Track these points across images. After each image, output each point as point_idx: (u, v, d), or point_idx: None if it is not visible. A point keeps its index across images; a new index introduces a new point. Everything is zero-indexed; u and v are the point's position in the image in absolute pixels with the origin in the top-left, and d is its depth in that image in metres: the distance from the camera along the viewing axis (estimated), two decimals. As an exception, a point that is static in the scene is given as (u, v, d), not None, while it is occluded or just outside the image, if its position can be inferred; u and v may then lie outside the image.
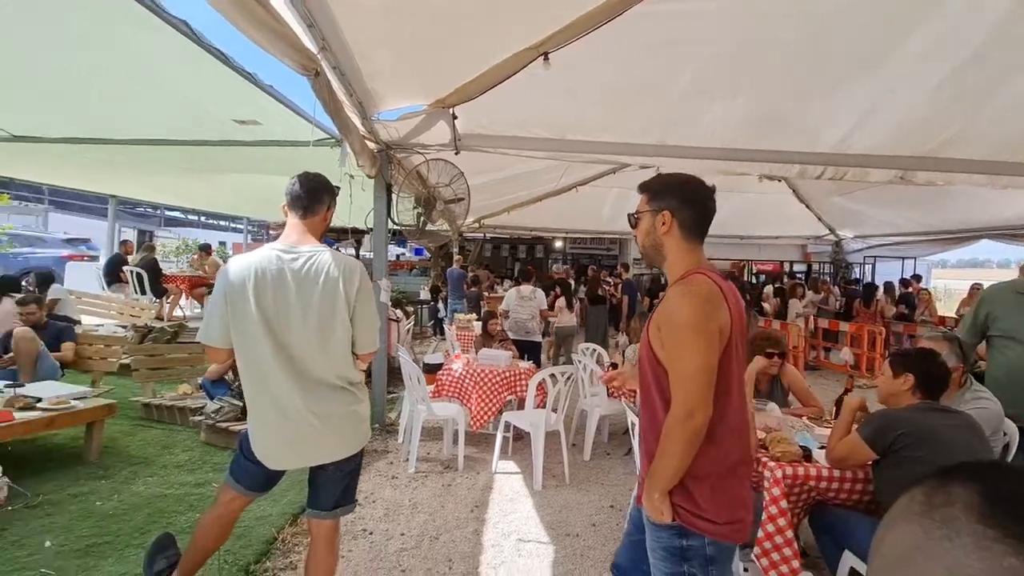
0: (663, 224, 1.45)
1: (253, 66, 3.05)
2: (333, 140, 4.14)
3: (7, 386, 3.45)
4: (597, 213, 9.43)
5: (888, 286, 9.04)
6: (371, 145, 4.13)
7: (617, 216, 9.70)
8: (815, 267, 12.06)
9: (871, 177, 4.65)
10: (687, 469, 1.32)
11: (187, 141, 4.61)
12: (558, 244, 14.06)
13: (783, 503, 2.09)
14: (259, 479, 1.89)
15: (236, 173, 5.91)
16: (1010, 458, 2.52)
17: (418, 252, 13.59)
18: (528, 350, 5.44)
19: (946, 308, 10.64)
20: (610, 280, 9.68)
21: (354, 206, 4.58)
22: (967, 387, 2.44)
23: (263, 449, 1.81)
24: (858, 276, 11.25)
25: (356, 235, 5.09)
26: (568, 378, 3.67)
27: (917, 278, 10.06)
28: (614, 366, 4.64)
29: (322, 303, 1.79)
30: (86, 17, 2.68)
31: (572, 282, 10.74)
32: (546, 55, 3.13)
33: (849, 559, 2.01)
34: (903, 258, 11.28)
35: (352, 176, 4.49)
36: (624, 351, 5.55)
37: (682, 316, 1.32)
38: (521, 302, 5.69)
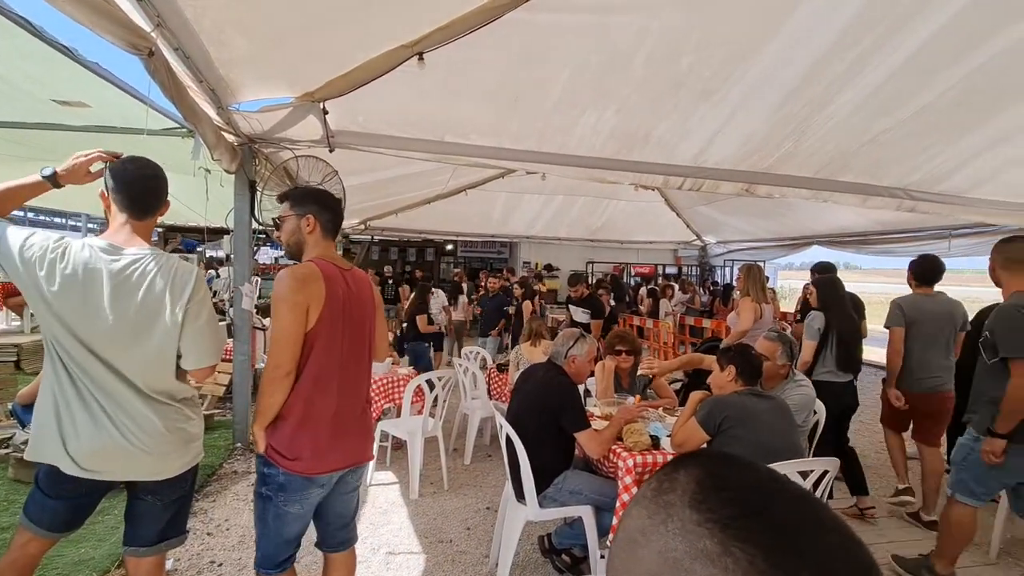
0: (308, 225, 1.78)
1: (71, 38, 2.65)
2: (185, 130, 3.73)
3: None
4: (487, 216, 9.53)
5: (743, 286, 10.16)
6: (230, 138, 3.78)
7: (507, 219, 9.89)
8: (684, 270, 13.23)
9: (722, 189, 5.17)
10: (279, 412, 1.68)
11: (-6, 122, 3.90)
12: (449, 247, 14.00)
13: (634, 490, 2.23)
14: (60, 516, 1.63)
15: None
16: (818, 435, 2.93)
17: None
18: (434, 338, 6.74)
19: (788, 305, 12.21)
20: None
21: (212, 203, 4.19)
22: (791, 378, 2.81)
23: (58, 445, 1.53)
24: (717, 278, 12.51)
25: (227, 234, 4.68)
26: (446, 382, 3.64)
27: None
28: (500, 368, 4.72)
29: (140, 313, 1.58)
30: None
31: (464, 284, 10.87)
32: (421, 55, 3.08)
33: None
34: (756, 261, 12.78)
35: (208, 171, 4.10)
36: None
37: (277, 291, 1.66)
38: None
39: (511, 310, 6.45)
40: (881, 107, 3.56)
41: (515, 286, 6.75)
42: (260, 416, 1.70)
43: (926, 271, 3.57)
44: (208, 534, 2.80)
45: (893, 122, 3.73)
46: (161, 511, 1.66)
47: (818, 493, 2.13)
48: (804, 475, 2.12)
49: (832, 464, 2.20)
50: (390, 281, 9.52)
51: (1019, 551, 3.00)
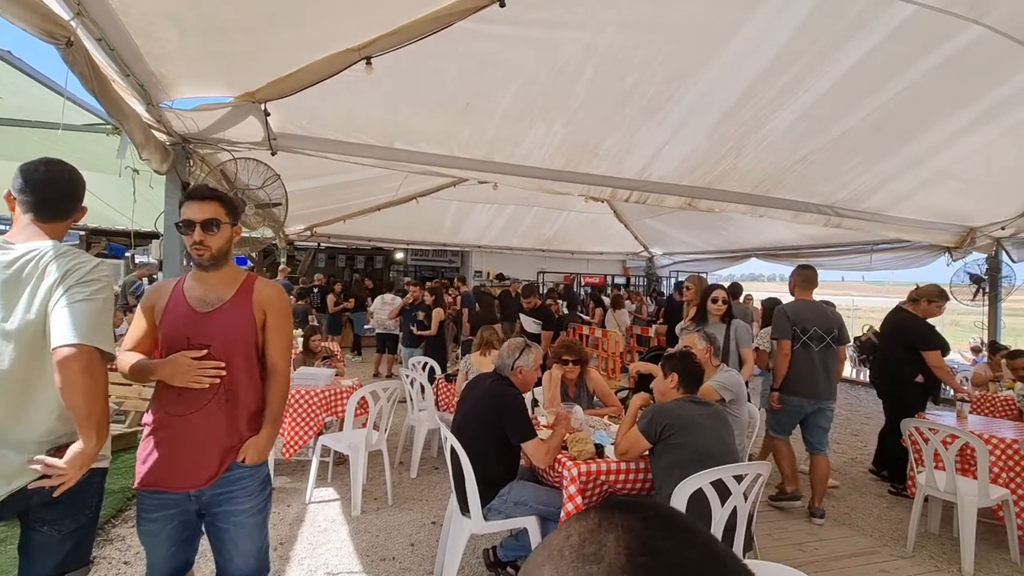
0: (236, 236, 1.88)
1: (-23, 24, 2.42)
2: (110, 126, 3.49)
3: None
4: (439, 225, 9.45)
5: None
6: (161, 137, 3.56)
7: (459, 228, 9.84)
8: (633, 280, 13.59)
9: (667, 202, 5.36)
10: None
11: None
12: (399, 255, 13.77)
13: (579, 499, 2.24)
14: None
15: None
16: (754, 436, 3.08)
17: (241, 261, 12.21)
18: (390, 341, 7.94)
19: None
20: (450, 292, 9.76)
21: (140, 204, 3.94)
22: (719, 368, 3.04)
23: None
24: (663, 289, 12.92)
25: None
26: (391, 394, 3.54)
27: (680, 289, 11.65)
28: (449, 378, 4.65)
29: (28, 307, 1.41)
30: None
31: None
32: (368, 59, 3.02)
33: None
34: (700, 273, 13.29)
35: (137, 171, 3.86)
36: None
37: (287, 303, 1.89)
38: (383, 306, 7.84)
39: (421, 315, 6.35)
40: (810, 129, 3.80)
41: (426, 294, 6.53)
42: (279, 419, 1.84)
43: (734, 290, 5.76)
44: (125, 563, 2.58)
45: (820, 143, 3.99)
46: (59, 542, 1.49)
47: (753, 492, 2.20)
48: (739, 479, 2.19)
49: (764, 468, 2.29)
50: (315, 290, 9.47)
51: (932, 545, 3.22)
